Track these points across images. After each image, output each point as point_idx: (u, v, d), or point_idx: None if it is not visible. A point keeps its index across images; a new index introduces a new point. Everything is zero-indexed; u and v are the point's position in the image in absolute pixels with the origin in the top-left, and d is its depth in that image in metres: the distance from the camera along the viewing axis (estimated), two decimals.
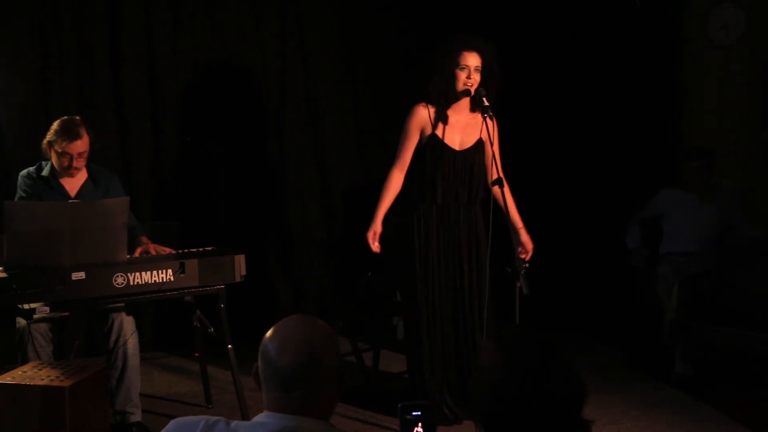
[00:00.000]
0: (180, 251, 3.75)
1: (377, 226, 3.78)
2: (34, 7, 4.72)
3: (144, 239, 3.82)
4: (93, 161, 3.82)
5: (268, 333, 1.73)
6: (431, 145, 3.74)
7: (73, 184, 3.76)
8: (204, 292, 3.58)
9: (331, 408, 1.75)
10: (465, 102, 3.74)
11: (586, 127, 5.72)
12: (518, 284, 3.09)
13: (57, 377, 3.01)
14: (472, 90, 3.66)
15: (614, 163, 5.59)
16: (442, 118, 3.74)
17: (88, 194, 3.76)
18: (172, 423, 1.73)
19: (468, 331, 3.78)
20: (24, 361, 3.37)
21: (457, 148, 3.75)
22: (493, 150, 3.68)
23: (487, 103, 3.57)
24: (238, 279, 3.61)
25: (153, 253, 3.74)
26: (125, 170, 4.95)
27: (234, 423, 1.68)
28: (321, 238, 5.64)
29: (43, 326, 3.46)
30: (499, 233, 3.65)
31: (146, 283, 3.38)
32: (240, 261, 3.59)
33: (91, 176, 3.80)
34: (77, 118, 3.69)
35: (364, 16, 5.69)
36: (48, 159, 3.72)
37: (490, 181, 3.76)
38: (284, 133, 5.51)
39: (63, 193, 3.72)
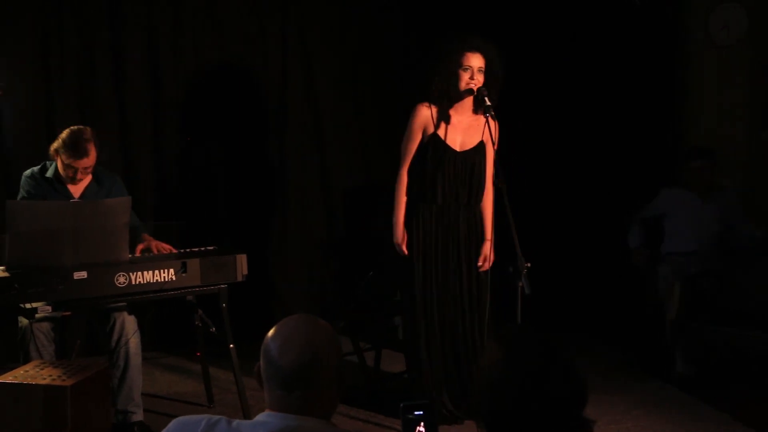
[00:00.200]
0: (182, 251, 3.76)
1: (403, 232, 3.78)
2: (35, 7, 4.73)
3: (146, 236, 3.83)
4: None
5: (270, 332, 1.73)
6: (432, 145, 3.74)
7: (77, 185, 3.76)
8: (206, 291, 3.58)
9: (333, 407, 1.75)
10: (468, 103, 3.75)
11: (587, 127, 5.72)
12: (520, 284, 3.09)
13: (59, 377, 3.01)
14: (475, 90, 3.66)
15: (615, 162, 5.59)
16: (444, 118, 3.74)
17: (92, 195, 3.75)
18: (173, 422, 1.74)
19: (467, 331, 3.78)
20: (26, 360, 3.38)
21: (457, 148, 3.75)
22: (494, 150, 3.68)
23: (488, 103, 3.58)
24: (239, 278, 3.61)
25: (154, 250, 3.75)
26: (126, 170, 4.95)
27: (236, 422, 1.69)
28: (322, 237, 5.65)
29: (45, 325, 3.46)
30: (500, 233, 3.66)
31: (148, 283, 3.39)
32: (242, 260, 3.59)
33: (95, 177, 3.79)
34: (86, 131, 3.63)
35: (364, 16, 5.69)
36: (53, 160, 3.71)
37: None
38: (285, 133, 5.51)
39: (67, 194, 3.71)
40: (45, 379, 2.99)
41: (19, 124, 4.72)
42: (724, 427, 3.79)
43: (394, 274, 3.99)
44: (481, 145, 3.78)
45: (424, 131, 3.77)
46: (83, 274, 3.24)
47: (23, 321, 3.42)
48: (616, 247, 5.10)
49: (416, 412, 1.69)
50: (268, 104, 5.48)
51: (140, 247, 3.75)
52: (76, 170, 3.63)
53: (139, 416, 3.65)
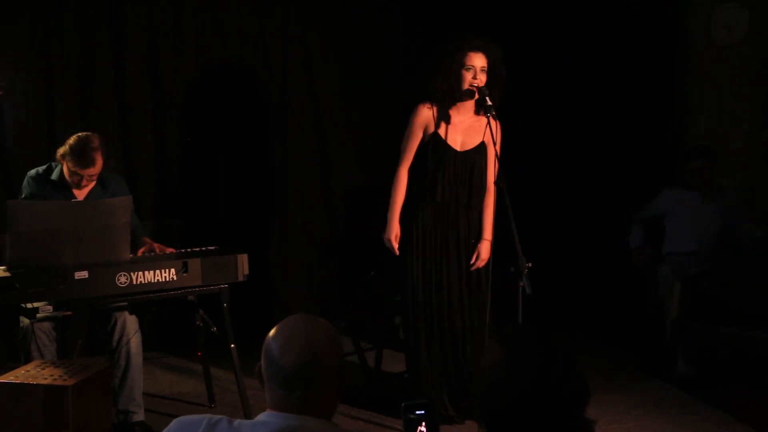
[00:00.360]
0: (183, 250, 3.76)
1: (396, 229, 3.78)
2: (35, 7, 4.72)
3: (146, 240, 3.83)
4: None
5: (271, 332, 1.74)
6: (433, 145, 3.74)
7: (82, 190, 3.74)
8: (207, 291, 3.58)
9: (334, 407, 1.75)
10: (470, 103, 3.75)
11: (587, 127, 5.72)
12: (521, 284, 3.09)
13: (60, 376, 3.01)
14: (477, 90, 3.66)
15: (615, 162, 5.59)
16: (445, 117, 3.74)
17: (96, 198, 3.74)
18: (174, 422, 1.74)
19: (467, 331, 3.78)
20: (27, 360, 3.38)
21: (458, 148, 3.75)
22: (495, 150, 3.68)
23: (490, 103, 3.58)
24: (241, 278, 3.61)
25: (158, 251, 3.74)
26: (127, 170, 4.94)
27: (237, 422, 1.69)
28: (322, 237, 5.65)
29: (47, 325, 3.46)
30: (501, 233, 3.66)
31: (149, 283, 3.39)
32: (243, 260, 3.59)
33: (100, 181, 3.76)
34: (94, 139, 3.60)
35: (364, 16, 5.69)
36: (59, 163, 3.69)
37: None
38: (286, 133, 5.51)
39: (70, 198, 3.69)
40: (46, 378, 2.99)
41: (19, 124, 4.72)
42: (724, 427, 3.79)
43: (395, 274, 4.00)
44: (482, 146, 3.78)
45: (425, 131, 3.77)
46: (84, 274, 3.25)
47: (24, 321, 3.42)
48: (616, 247, 5.10)
49: (417, 412, 1.69)
50: (269, 104, 5.48)
51: (142, 249, 3.74)
52: (81, 177, 3.63)
53: (140, 416, 3.65)
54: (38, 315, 3.27)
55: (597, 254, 5.50)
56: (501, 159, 3.56)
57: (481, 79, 3.66)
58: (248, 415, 3.59)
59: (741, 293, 4.42)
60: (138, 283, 3.36)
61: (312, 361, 1.68)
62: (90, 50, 4.89)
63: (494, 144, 3.63)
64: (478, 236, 3.80)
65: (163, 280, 3.42)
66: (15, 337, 3.52)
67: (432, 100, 3.75)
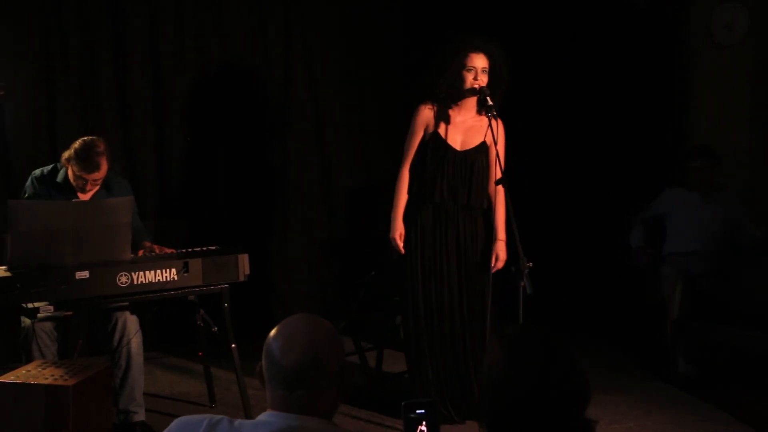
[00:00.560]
0: (183, 250, 3.76)
1: (400, 227, 3.79)
2: (36, 7, 4.73)
3: (146, 244, 3.82)
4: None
5: (272, 332, 1.74)
6: (433, 144, 3.75)
7: (87, 193, 3.73)
8: (208, 291, 3.58)
9: (334, 407, 1.75)
10: (471, 103, 3.74)
11: (588, 126, 5.71)
12: (522, 284, 3.09)
13: (61, 376, 3.02)
14: (478, 90, 3.66)
15: (616, 162, 5.59)
16: (445, 117, 3.75)
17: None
18: (175, 422, 1.74)
19: (468, 331, 3.78)
20: (28, 360, 3.38)
21: (458, 148, 3.75)
22: (497, 149, 3.68)
23: (491, 103, 3.58)
24: (241, 278, 3.61)
25: (158, 251, 3.74)
26: (127, 170, 4.94)
27: (237, 422, 1.69)
28: (323, 237, 5.65)
29: (48, 325, 3.46)
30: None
31: (150, 283, 3.39)
32: (243, 260, 3.59)
33: (104, 185, 3.75)
34: (99, 144, 3.59)
35: (365, 16, 5.70)
36: (64, 166, 3.68)
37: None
38: (286, 133, 5.51)
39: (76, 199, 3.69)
40: (47, 378, 2.99)
41: (19, 124, 4.72)
42: (724, 427, 3.79)
43: (395, 274, 4.00)
44: (483, 146, 3.78)
45: (426, 130, 3.78)
46: (85, 274, 3.25)
47: (25, 321, 3.42)
48: (617, 247, 5.10)
49: (418, 411, 1.69)
50: (269, 104, 5.49)
51: (141, 252, 3.74)
52: (86, 181, 3.63)
53: (140, 416, 3.65)
54: (39, 315, 3.27)
55: (598, 254, 5.50)
56: (504, 159, 3.56)
57: (483, 80, 3.66)
58: (249, 415, 3.59)
59: (741, 293, 4.42)
60: (139, 283, 3.36)
61: (313, 361, 1.68)
62: (91, 50, 4.89)
63: (496, 144, 3.63)
64: (478, 236, 3.80)
65: (164, 280, 3.42)
66: (16, 337, 3.52)
67: (433, 101, 3.75)
